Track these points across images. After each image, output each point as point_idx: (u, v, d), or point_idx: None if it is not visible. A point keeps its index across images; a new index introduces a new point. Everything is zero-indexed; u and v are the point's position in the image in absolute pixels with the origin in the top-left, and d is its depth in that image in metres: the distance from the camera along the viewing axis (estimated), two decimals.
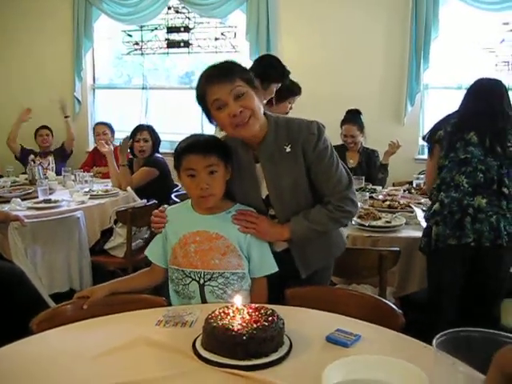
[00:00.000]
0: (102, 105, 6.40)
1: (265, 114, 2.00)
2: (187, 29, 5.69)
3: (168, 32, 5.77)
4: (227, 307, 1.56)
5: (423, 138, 2.81)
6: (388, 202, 3.43)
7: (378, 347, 1.54)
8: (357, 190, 3.75)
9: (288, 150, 1.97)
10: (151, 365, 1.46)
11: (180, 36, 5.74)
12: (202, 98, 1.91)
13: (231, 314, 1.53)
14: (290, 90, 3.56)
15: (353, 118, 4.56)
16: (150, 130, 4.51)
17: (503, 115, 2.57)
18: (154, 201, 3.94)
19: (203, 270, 1.94)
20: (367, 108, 4.81)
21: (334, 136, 4.45)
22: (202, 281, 1.94)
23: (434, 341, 1.20)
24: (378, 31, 5.15)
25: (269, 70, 3.23)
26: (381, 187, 4.27)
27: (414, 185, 4.16)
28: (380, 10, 5.10)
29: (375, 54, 5.19)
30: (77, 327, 1.70)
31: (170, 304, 1.98)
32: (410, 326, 2.25)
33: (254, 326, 1.46)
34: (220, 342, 1.46)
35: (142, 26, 5.84)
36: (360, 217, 3.09)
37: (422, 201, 3.51)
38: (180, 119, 6.13)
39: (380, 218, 3.09)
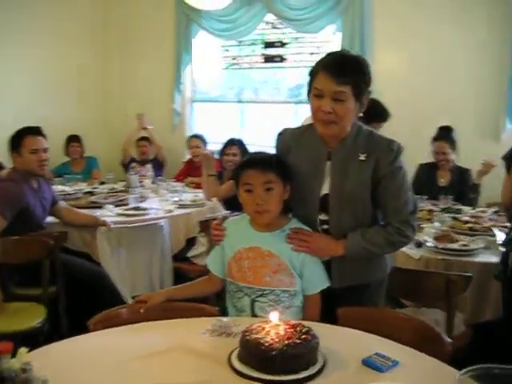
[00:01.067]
0: (200, 117, 6.64)
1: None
2: (282, 44, 5.79)
3: (264, 47, 5.90)
4: (266, 322, 1.60)
5: (503, 157, 2.69)
6: (470, 225, 3.29)
7: (414, 375, 1.51)
8: (441, 211, 3.68)
9: (362, 158, 1.99)
10: (185, 371, 1.53)
11: (276, 51, 5.85)
12: (311, 76, 1.96)
13: (267, 329, 1.56)
14: (376, 115, 3.51)
15: (445, 134, 4.43)
16: (239, 144, 4.61)
17: None
18: (237, 213, 4.04)
19: (255, 286, 1.98)
20: (461, 124, 4.65)
21: (424, 152, 4.41)
22: (253, 296, 1.98)
23: (458, 375, 1.17)
24: (474, 45, 4.95)
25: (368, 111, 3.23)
26: (470, 208, 4.10)
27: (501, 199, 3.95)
28: (477, 23, 4.90)
29: (471, 69, 4.99)
30: (128, 329, 1.81)
31: (223, 314, 2.03)
32: (480, 355, 2.17)
33: (286, 342, 1.49)
34: (252, 355, 1.50)
35: (239, 42, 6.01)
36: (436, 238, 2.99)
37: (508, 225, 3.33)
38: (274, 133, 6.21)
39: (457, 241, 2.98)
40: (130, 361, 1.56)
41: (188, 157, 5.82)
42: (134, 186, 4.69)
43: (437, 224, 3.22)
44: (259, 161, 2.01)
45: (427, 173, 4.48)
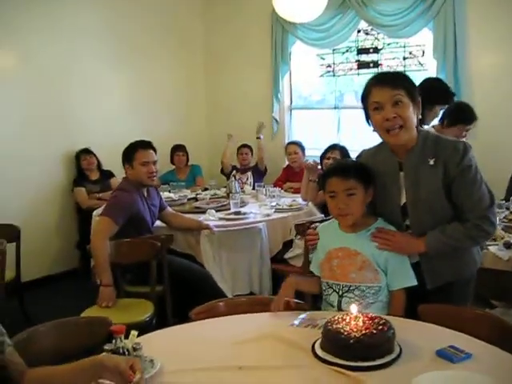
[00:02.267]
0: (298, 124, 6.84)
1: (417, 128, 2.17)
2: (376, 50, 5.87)
3: (358, 53, 6.01)
4: (347, 314, 1.77)
5: None
6: None
7: (485, 367, 1.61)
8: None
9: (431, 163, 2.12)
10: (274, 356, 1.74)
11: (369, 57, 5.94)
12: (364, 97, 2.17)
13: (347, 320, 1.73)
14: (460, 118, 3.56)
15: None
16: (341, 150, 4.70)
17: None
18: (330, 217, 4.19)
19: (342, 283, 2.17)
20: None
21: None
22: (340, 292, 2.17)
23: None
24: None
25: (432, 93, 3.31)
26: None
27: None
28: None
29: None
30: (225, 320, 2.06)
31: (312, 309, 2.22)
32: None
33: (363, 332, 1.65)
34: (332, 343, 1.68)
35: (333, 49, 6.16)
36: None
37: None
38: (369, 137, 6.29)
39: None
40: (228, 345, 1.79)
41: (287, 163, 6.03)
42: (234, 192, 4.97)
43: None
44: (340, 169, 2.22)
45: None
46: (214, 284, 3.74)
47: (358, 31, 5.93)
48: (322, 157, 4.75)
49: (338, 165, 2.31)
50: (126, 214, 3.50)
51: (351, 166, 2.24)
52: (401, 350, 1.69)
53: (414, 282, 2.16)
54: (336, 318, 1.76)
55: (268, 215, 4.31)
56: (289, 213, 4.42)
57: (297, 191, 5.23)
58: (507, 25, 4.96)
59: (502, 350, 1.71)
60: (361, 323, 1.71)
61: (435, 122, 3.81)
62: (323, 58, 6.28)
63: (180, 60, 6.79)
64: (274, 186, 5.44)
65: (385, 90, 2.06)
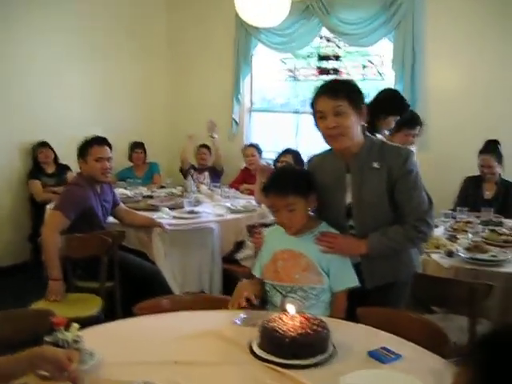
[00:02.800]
0: (258, 127, 6.90)
1: (365, 134, 2.27)
2: (337, 57, 5.98)
3: (319, 60, 6.11)
4: (285, 314, 1.82)
5: None
6: (504, 237, 3.38)
7: (413, 368, 1.68)
8: (481, 223, 3.77)
9: (376, 166, 2.23)
10: (210, 352, 1.78)
11: (330, 64, 6.05)
12: (312, 105, 2.24)
13: (285, 320, 1.78)
14: (404, 122, 3.68)
15: (491, 148, 4.50)
16: (294, 154, 4.78)
17: None
18: None
19: (286, 284, 2.23)
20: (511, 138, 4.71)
21: (474, 166, 4.49)
22: (284, 292, 2.24)
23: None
24: None
25: (387, 103, 3.41)
26: None
27: None
28: None
29: None
30: (169, 316, 2.08)
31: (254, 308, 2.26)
32: None
33: (298, 331, 1.71)
34: (268, 341, 1.73)
35: (295, 54, 6.25)
36: (467, 249, 3.11)
37: None
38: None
39: (487, 252, 3.09)
40: (167, 341, 1.83)
41: (244, 165, 6.08)
42: (190, 191, 4.99)
43: (470, 235, 3.34)
44: (277, 186, 2.24)
45: (473, 186, 4.56)
46: (163, 282, 3.76)
47: (320, 38, 6.03)
48: (276, 161, 4.81)
49: (275, 182, 2.27)
50: (77, 209, 3.48)
51: (289, 183, 2.24)
52: (334, 349, 1.75)
53: (356, 283, 2.25)
54: (274, 317, 1.81)
55: (221, 215, 4.35)
56: (242, 214, 4.47)
57: (253, 193, 5.28)
58: (464, 39, 5.14)
59: (431, 353, 1.79)
60: (297, 323, 1.76)
61: None
62: (285, 63, 6.37)
63: (141, 58, 6.74)
64: (231, 188, 5.48)
65: (327, 101, 2.15)
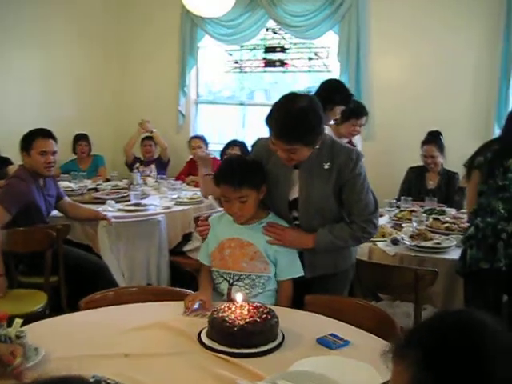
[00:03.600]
0: (205, 119, 6.86)
1: None
2: (283, 49, 6.00)
3: (265, 52, 6.11)
4: (233, 303, 1.81)
5: (464, 165, 2.87)
6: (447, 225, 3.48)
7: (360, 353, 1.70)
8: (424, 212, 3.87)
9: (326, 167, 2.23)
10: (159, 343, 1.76)
11: (276, 55, 6.06)
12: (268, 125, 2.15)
13: (232, 309, 1.77)
14: (352, 112, 3.73)
15: (433, 138, 4.61)
16: (241, 146, 4.79)
17: None
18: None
19: (233, 272, 2.22)
20: (453, 130, 4.84)
21: (417, 156, 4.59)
22: (231, 281, 2.23)
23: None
24: (467, 54, 5.12)
25: (333, 93, 3.43)
26: (455, 210, 4.27)
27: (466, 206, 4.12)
28: (470, 33, 5.08)
29: (464, 77, 5.17)
30: (115, 309, 2.04)
31: None
32: None
33: (247, 320, 1.70)
34: (217, 331, 1.72)
35: (241, 46, 6.23)
36: (411, 237, 3.18)
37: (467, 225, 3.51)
38: None
39: (431, 239, 3.17)
40: (114, 334, 1.79)
41: (190, 157, 6.03)
42: (136, 184, 4.91)
43: (415, 223, 3.41)
44: (233, 177, 2.19)
45: (416, 176, 4.67)
46: (109, 276, 3.68)
47: (267, 29, 6.03)
48: (223, 153, 4.80)
49: (229, 173, 2.22)
50: (19, 204, 3.37)
51: (243, 175, 2.20)
52: (283, 337, 1.75)
53: (302, 273, 2.27)
54: (222, 306, 1.80)
55: (168, 207, 4.31)
56: (189, 205, 4.44)
57: (199, 185, 5.24)
58: (408, 31, 5.24)
59: (378, 337, 1.82)
60: (245, 312, 1.76)
61: None
62: (231, 54, 6.34)
63: (84, 48, 6.55)
64: (177, 180, 5.43)
65: (281, 142, 2.08)
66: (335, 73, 5.64)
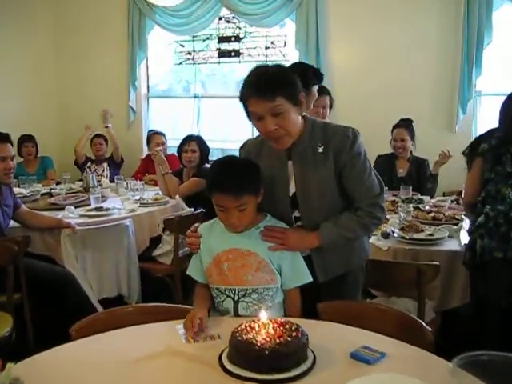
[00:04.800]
0: (156, 114, 6.57)
1: (304, 116, 2.05)
2: (238, 38, 5.78)
3: (219, 42, 5.88)
4: (253, 321, 1.60)
5: (462, 153, 2.77)
6: (433, 214, 3.38)
7: (402, 366, 1.54)
8: (403, 201, 3.76)
9: (320, 150, 2.01)
10: (177, 375, 1.52)
11: (231, 45, 5.84)
12: (243, 101, 1.95)
13: (256, 329, 1.56)
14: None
15: (404, 123, 4.53)
16: (198, 140, 4.57)
17: None
18: (202, 210, 4.04)
19: (237, 287, 1.96)
20: (418, 116, 4.77)
21: (382, 145, 4.50)
22: (236, 297, 1.97)
23: (452, 364, 1.20)
24: (429, 39, 5.08)
25: (304, 73, 3.26)
26: (429, 197, 4.20)
27: (463, 195, 4.07)
28: (431, 17, 5.03)
29: (426, 62, 5.12)
30: (112, 335, 1.77)
31: None
32: (453, 339, 2.23)
33: (277, 340, 1.50)
34: (244, 356, 1.50)
35: (194, 36, 5.96)
36: (402, 229, 3.06)
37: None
38: (231, 127, 6.23)
39: (423, 231, 3.06)
40: (120, 368, 1.54)
41: (145, 154, 5.75)
42: (92, 186, 4.59)
43: (402, 215, 3.29)
44: (229, 186, 1.90)
45: (386, 164, 4.56)
46: (78, 288, 3.38)
47: (220, 19, 5.80)
48: (180, 149, 4.55)
49: (226, 180, 1.91)
50: None
51: (243, 181, 1.93)
52: (314, 356, 1.56)
53: (310, 279, 2.02)
54: (243, 326, 1.58)
55: (133, 210, 4.03)
56: (155, 207, 4.19)
57: (157, 184, 4.99)
58: (366, 16, 5.14)
59: (411, 345, 1.66)
60: (272, 331, 1.55)
61: None
62: (182, 45, 6.07)
63: (27, 45, 6.15)
64: (135, 179, 5.14)
65: (263, 103, 1.87)
66: (293, 61, 5.47)
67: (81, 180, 5.21)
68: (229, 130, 6.29)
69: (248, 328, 1.57)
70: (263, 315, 1.60)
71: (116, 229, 3.64)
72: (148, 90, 6.50)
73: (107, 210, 3.92)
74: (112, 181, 5.20)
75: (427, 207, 3.67)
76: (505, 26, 4.99)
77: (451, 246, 2.95)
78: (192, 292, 2.11)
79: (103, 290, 3.58)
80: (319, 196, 2.04)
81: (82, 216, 3.79)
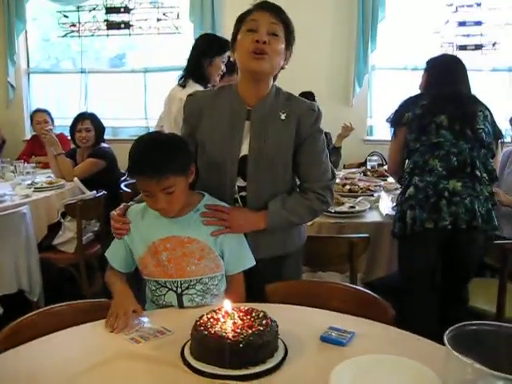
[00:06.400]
0: (38, 91, 6.08)
1: (268, 81, 1.93)
2: (127, 9, 5.45)
3: (107, 12, 5.51)
4: (215, 312, 1.46)
5: (387, 120, 2.76)
6: (348, 187, 3.39)
7: (373, 343, 1.48)
8: None
9: (283, 117, 1.90)
10: (139, 378, 1.34)
11: (120, 17, 5.50)
12: (241, 19, 1.88)
13: (222, 320, 1.42)
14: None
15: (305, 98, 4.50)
16: (92, 118, 4.28)
17: (469, 98, 2.59)
18: (104, 192, 3.78)
19: (179, 279, 1.79)
20: (316, 90, 4.77)
21: None
22: (179, 290, 1.79)
23: (445, 337, 1.14)
24: (325, 14, 5.10)
25: (206, 46, 3.16)
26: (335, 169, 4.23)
27: (369, 167, 4.15)
28: None
29: (323, 37, 5.15)
30: (50, 340, 1.54)
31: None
32: None
33: (250, 331, 1.36)
34: (213, 351, 1.34)
35: (78, 7, 5.53)
36: None
37: (382, 184, 3.50)
38: (122, 103, 5.92)
39: (343, 203, 3.05)
40: (73, 377, 1.32)
41: (31, 134, 5.30)
42: None
43: None
44: (149, 168, 1.67)
45: None
46: None
47: None
48: (73, 129, 4.24)
49: (145, 161, 1.69)
50: None
51: (165, 160, 1.69)
52: (284, 343, 1.45)
53: (254, 262, 1.89)
54: (205, 318, 1.43)
55: (28, 196, 3.68)
56: (51, 191, 3.87)
57: (46, 166, 4.61)
58: None
59: (376, 322, 1.61)
60: (239, 321, 1.42)
61: None
62: (66, 16, 5.61)
63: None
64: (23, 162, 4.71)
65: (266, 15, 1.84)
66: (187, 35, 5.27)
67: None
68: (120, 107, 5.96)
69: (212, 320, 1.42)
70: (227, 304, 1.46)
71: (12, 217, 3.26)
72: (28, 65, 5.97)
73: None
74: None
75: (338, 180, 3.68)
76: (397, 2, 5.12)
77: (374, 217, 2.97)
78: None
79: (2, 286, 3.22)
80: (272, 163, 1.91)
81: None
